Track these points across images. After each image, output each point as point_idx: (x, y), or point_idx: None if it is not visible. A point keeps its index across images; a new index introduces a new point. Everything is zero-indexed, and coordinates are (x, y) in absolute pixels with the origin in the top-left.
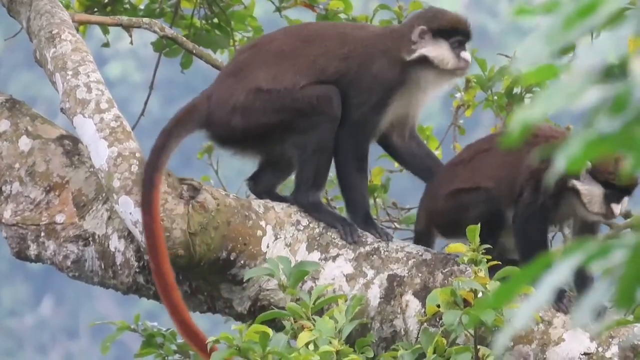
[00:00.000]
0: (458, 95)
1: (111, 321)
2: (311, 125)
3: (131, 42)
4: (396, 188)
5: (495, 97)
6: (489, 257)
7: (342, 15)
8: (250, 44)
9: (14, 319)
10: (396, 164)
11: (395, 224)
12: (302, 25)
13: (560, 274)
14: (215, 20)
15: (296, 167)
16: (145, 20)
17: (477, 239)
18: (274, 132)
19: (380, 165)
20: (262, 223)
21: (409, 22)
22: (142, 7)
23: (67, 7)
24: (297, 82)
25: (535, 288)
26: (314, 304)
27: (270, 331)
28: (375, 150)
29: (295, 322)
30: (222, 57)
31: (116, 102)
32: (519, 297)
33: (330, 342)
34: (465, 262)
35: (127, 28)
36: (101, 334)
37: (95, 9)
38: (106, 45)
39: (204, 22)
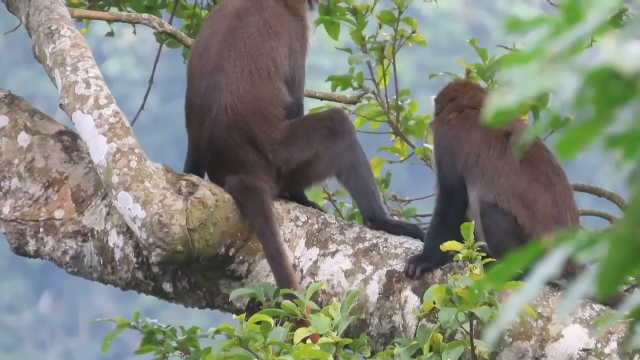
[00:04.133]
0: None
1: (111, 318)
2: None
3: (134, 32)
4: (395, 180)
5: (496, 86)
6: (484, 254)
7: (343, 5)
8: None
9: (12, 315)
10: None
11: (395, 216)
12: None
13: (550, 265)
14: None
15: (350, 194)
16: (145, 16)
17: (472, 237)
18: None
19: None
20: None
21: None
22: None
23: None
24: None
25: (526, 279)
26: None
27: (271, 321)
28: (376, 141)
29: (289, 320)
30: None
31: (115, 99)
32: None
33: (329, 334)
34: (460, 259)
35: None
36: (100, 331)
37: (100, 1)
38: (110, 34)
39: (206, 12)
